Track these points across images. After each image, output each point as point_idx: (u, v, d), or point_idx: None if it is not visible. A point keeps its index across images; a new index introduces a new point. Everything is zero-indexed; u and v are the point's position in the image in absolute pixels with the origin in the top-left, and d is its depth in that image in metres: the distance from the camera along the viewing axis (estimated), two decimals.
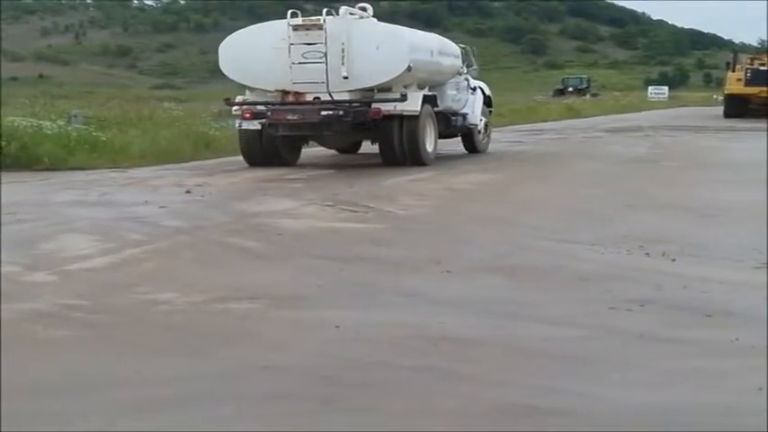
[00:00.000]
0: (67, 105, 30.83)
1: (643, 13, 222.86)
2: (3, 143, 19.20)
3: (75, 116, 24.56)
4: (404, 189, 15.37)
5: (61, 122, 22.60)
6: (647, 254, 9.26)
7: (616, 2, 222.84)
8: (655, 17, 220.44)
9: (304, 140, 20.82)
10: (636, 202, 13.59)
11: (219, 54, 20.07)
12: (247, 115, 19.35)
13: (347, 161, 20.90)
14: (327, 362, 5.97)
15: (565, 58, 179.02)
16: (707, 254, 9.42)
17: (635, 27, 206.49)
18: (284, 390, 5.48)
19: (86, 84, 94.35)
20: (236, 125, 20.03)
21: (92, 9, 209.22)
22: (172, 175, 17.64)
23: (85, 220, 11.91)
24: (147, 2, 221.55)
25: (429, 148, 19.80)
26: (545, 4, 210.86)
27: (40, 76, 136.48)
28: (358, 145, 22.60)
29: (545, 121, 43.19)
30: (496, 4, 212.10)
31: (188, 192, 14.82)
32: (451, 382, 5.59)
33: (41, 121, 21.85)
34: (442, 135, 21.19)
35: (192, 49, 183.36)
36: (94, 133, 22.05)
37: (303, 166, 19.31)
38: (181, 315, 7.14)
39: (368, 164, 20.02)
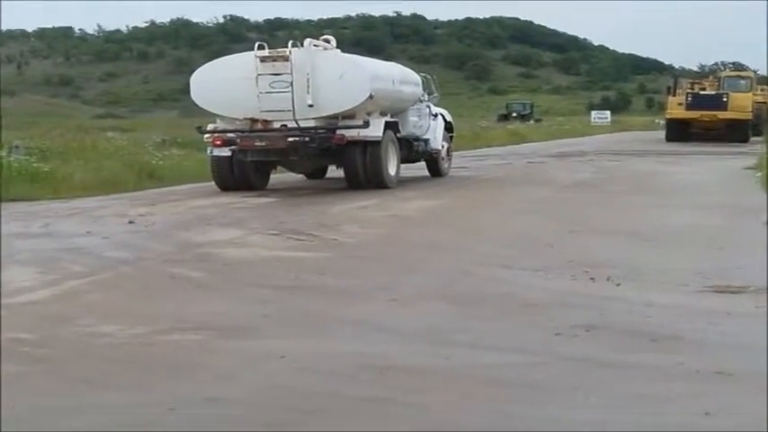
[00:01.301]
0: (10, 136, 30.53)
1: (584, 39, 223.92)
2: None
3: (16, 147, 24.35)
4: (350, 217, 15.35)
5: (2, 153, 22.38)
6: (592, 279, 9.30)
7: (558, 28, 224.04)
8: (596, 43, 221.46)
9: (272, 166, 21.38)
10: (580, 227, 13.65)
11: (191, 84, 20.75)
12: (218, 142, 20.04)
13: (295, 188, 20.88)
14: (273, 392, 5.93)
15: (508, 83, 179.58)
16: (651, 278, 9.47)
17: (577, 53, 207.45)
18: (230, 421, 5.43)
19: (29, 114, 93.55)
20: (208, 152, 20.71)
21: (33, 39, 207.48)
22: (115, 206, 17.50)
23: (27, 252, 11.78)
24: (89, 31, 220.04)
25: (392, 172, 20.55)
26: (488, 31, 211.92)
27: None
28: (324, 170, 23.19)
29: (489, 146, 43.31)
30: (439, 31, 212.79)
31: (131, 222, 14.71)
32: (399, 410, 5.57)
33: None
34: (406, 160, 21.99)
35: (135, 78, 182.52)
36: (36, 164, 21.87)
37: (248, 195, 19.23)
38: (125, 347, 7.07)
39: (314, 191, 20.07)
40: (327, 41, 20.97)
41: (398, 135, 21.14)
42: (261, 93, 19.65)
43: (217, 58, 21.73)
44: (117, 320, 7.86)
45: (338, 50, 20.90)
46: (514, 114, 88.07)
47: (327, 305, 8.43)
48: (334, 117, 19.89)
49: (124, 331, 7.52)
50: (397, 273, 10.12)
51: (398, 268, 10.46)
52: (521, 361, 6.58)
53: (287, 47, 19.92)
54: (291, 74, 19.55)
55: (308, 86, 19.46)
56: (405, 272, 10.20)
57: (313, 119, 19.71)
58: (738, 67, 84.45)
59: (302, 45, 20.16)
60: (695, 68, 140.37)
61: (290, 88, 19.54)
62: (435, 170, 24.02)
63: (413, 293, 8.86)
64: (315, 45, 20.46)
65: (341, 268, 10.46)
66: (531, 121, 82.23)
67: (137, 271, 10.51)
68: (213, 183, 20.59)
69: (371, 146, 19.86)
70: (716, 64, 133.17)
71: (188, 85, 20.87)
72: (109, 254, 11.68)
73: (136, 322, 7.78)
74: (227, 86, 19.87)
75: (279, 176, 22.41)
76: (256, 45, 20.13)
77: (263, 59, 19.79)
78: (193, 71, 21.12)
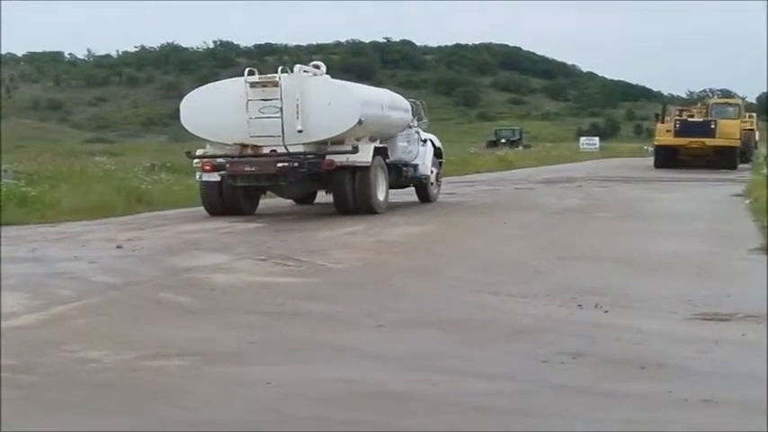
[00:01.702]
0: None
1: (573, 66, 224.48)
2: None
3: (4, 171, 24.31)
4: (338, 242, 15.33)
5: None
6: (580, 306, 9.28)
7: (546, 54, 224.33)
8: (585, 69, 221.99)
9: (262, 191, 21.40)
10: (568, 253, 13.64)
11: (181, 110, 20.73)
12: (208, 168, 20.05)
13: (284, 213, 20.85)
14: (259, 418, 5.90)
15: (497, 109, 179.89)
16: (639, 305, 9.45)
17: (565, 79, 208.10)
18: None
19: (18, 138, 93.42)
20: (197, 177, 20.74)
21: (23, 63, 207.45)
22: (103, 230, 17.46)
23: (14, 277, 11.72)
24: (79, 56, 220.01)
25: (380, 197, 20.59)
26: (477, 57, 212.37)
27: None
28: (314, 195, 23.27)
29: (478, 172, 43.33)
30: (428, 57, 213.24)
31: (119, 247, 14.67)
32: None
33: None
34: (395, 185, 22.07)
35: (125, 103, 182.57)
36: (24, 188, 21.81)
37: (236, 220, 19.20)
38: (111, 373, 7.04)
39: (302, 217, 20.08)
40: (317, 67, 21.01)
41: (387, 160, 21.18)
42: (251, 118, 19.68)
43: (206, 82, 21.81)
44: (103, 346, 7.82)
45: (328, 76, 20.94)
46: (503, 140, 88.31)
47: (314, 331, 8.40)
48: (324, 142, 19.92)
49: (110, 357, 7.48)
50: (384, 299, 10.10)
51: (386, 294, 10.43)
52: (508, 388, 6.56)
53: (277, 72, 19.95)
54: (281, 99, 19.57)
55: (298, 112, 19.48)
56: (392, 298, 10.17)
57: (302, 144, 19.71)
58: (726, 94, 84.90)
59: (292, 71, 20.24)
60: (684, 95, 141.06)
61: (279, 114, 19.56)
62: (424, 196, 24.06)
63: (400, 319, 8.84)
64: (304, 71, 20.52)
65: (328, 294, 10.44)
66: (520, 147, 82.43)
67: (124, 296, 10.47)
68: (202, 208, 20.55)
69: (360, 171, 19.90)
70: (704, 91, 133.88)
71: (177, 109, 20.88)
72: (96, 279, 11.64)
73: (122, 347, 7.74)
74: (216, 112, 19.91)
75: (267, 201, 22.41)
76: (246, 71, 20.12)
77: (252, 85, 19.82)
78: (183, 96, 21.15)
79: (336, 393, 6.40)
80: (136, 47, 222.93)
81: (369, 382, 6.67)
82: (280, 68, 20.13)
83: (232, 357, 7.45)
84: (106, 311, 9.60)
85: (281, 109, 19.55)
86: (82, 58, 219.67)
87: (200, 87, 21.31)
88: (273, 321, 8.81)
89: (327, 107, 19.61)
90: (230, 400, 6.30)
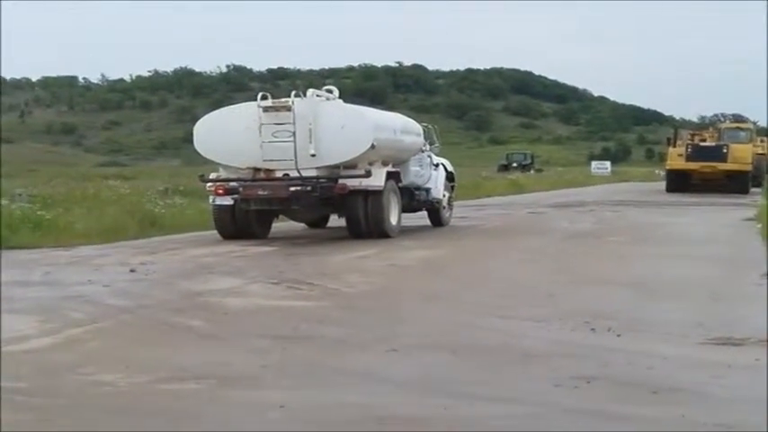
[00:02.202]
0: (11, 184, 30.60)
1: (584, 90, 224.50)
2: None
3: (19, 194, 24.38)
4: (349, 266, 15.33)
5: (5, 201, 22.39)
6: (593, 329, 9.26)
7: (558, 79, 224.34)
8: (596, 93, 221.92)
9: (275, 215, 21.50)
10: (580, 277, 13.63)
11: (194, 134, 20.84)
12: (221, 191, 20.11)
13: (296, 237, 20.86)
14: None
15: (509, 133, 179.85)
16: (652, 329, 9.42)
17: (577, 103, 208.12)
18: None
19: (31, 161, 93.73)
20: (210, 201, 20.77)
21: (37, 88, 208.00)
22: (116, 254, 17.48)
23: (28, 300, 11.74)
24: (93, 80, 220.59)
25: (393, 221, 20.61)
26: (488, 82, 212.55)
27: None
28: (326, 219, 23.29)
29: (490, 196, 43.36)
30: (440, 81, 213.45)
31: (132, 270, 14.68)
32: None
33: None
34: (407, 209, 22.08)
35: (138, 127, 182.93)
36: (39, 212, 21.85)
37: (248, 243, 19.20)
38: (124, 397, 7.03)
39: (315, 240, 20.09)
40: (330, 91, 21.05)
41: (400, 184, 21.22)
42: (264, 142, 19.70)
43: (219, 106, 21.87)
44: (117, 369, 7.82)
45: (340, 101, 20.98)
46: (515, 164, 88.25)
47: (327, 355, 8.39)
48: (337, 167, 19.96)
49: (124, 380, 7.48)
50: (396, 323, 10.08)
51: (398, 318, 10.42)
52: (520, 412, 6.54)
53: (290, 97, 20.00)
54: (294, 123, 19.60)
55: (311, 136, 19.51)
56: (404, 322, 10.16)
57: (315, 168, 19.75)
58: (738, 118, 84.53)
59: (305, 95, 20.29)
60: (695, 120, 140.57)
61: (292, 138, 19.58)
62: (436, 219, 24.07)
63: (413, 343, 8.82)
64: (317, 95, 20.58)
65: (341, 318, 10.43)
66: (532, 171, 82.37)
67: (137, 319, 10.47)
68: (215, 231, 20.58)
69: (373, 195, 19.91)
70: (716, 115, 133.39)
71: (191, 133, 20.96)
72: (110, 302, 11.65)
73: (136, 371, 7.74)
74: (230, 136, 19.96)
75: (280, 225, 22.43)
76: (260, 95, 20.17)
77: (266, 109, 19.87)
78: (196, 120, 21.22)
79: (349, 418, 6.39)
80: (149, 71, 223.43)
81: (381, 406, 6.66)
82: (293, 93, 20.20)
83: (245, 381, 7.44)
84: (119, 335, 9.62)
85: (294, 133, 19.58)
86: (96, 82, 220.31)
87: (214, 112, 21.40)
88: (286, 345, 8.80)
89: (340, 131, 19.64)
90: (244, 424, 6.29)
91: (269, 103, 20.02)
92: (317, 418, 6.40)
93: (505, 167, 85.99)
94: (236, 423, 6.31)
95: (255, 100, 20.07)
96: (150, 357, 8.34)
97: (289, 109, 19.75)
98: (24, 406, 6.80)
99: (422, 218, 23.80)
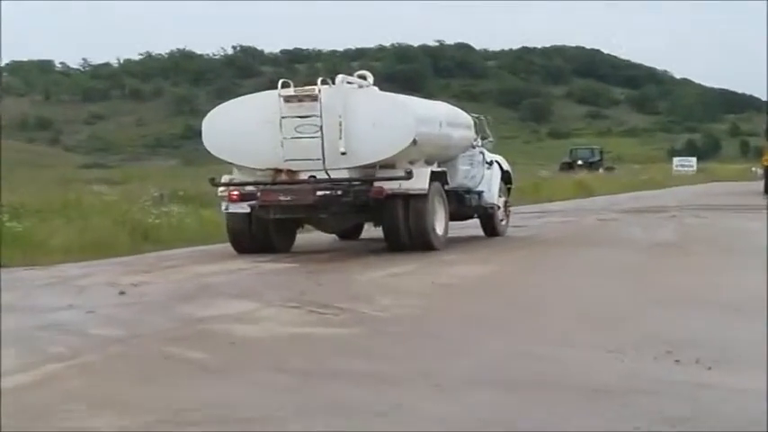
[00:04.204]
0: None
1: (664, 72, 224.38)
2: None
3: None
4: (383, 285, 15.34)
5: None
6: (677, 361, 9.22)
7: (631, 59, 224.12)
8: (678, 75, 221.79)
9: (299, 224, 21.61)
10: (661, 297, 13.59)
11: (203, 129, 21.00)
12: (235, 197, 20.20)
13: (323, 250, 20.90)
14: None
15: (573, 125, 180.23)
16: (747, 359, 9.38)
17: (655, 88, 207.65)
18: None
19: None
20: (223, 208, 20.83)
21: (6, 75, 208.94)
22: (103, 273, 17.55)
23: None
24: (72, 65, 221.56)
25: (439, 230, 20.63)
26: (547, 63, 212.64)
27: None
28: (359, 228, 23.50)
29: (551, 200, 43.39)
30: (490, 63, 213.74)
31: (122, 293, 14.74)
32: None
33: None
34: (455, 216, 22.08)
35: (128, 121, 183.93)
36: (8, 223, 21.95)
37: (262, 259, 19.25)
38: None
39: (345, 254, 20.11)
40: (363, 77, 21.08)
41: (447, 187, 21.24)
42: (285, 138, 19.83)
43: (224, 95, 22.00)
44: (105, 412, 7.84)
45: (376, 88, 21.09)
46: (580, 162, 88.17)
47: (358, 393, 8.39)
48: (372, 167, 20.06)
49: (113, 424, 7.50)
50: (440, 354, 10.08)
51: (443, 348, 10.41)
52: None
53: (315, 84, 20.02)
54: (321, 116, 19.70)
55: (341, 131, 19.56)
56: (450, 352, 10.15)
57: (346, 169, 19.87)
58: None
59: (333, 82, 20.29)
60: None
61: (319, 133, 19.69)
62: (491, 228, 24.17)
63: (460, 378, 8.81)
64: (348, 82, 20.60)
65: (374, 348, 10.43)
66: (601, 170, 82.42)
67: (129, 351, 10.50)
68: (222, 245, 20.68)
69: (415, 200, 19.91)
70: None
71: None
72: (95, 331, 11.68)
73: (127, 413, 7.76)
74: (245, 131, 20.11)
75: (304, 236, 22.46)
76: (280, 82, 20.22)
77: (287, 99, 19.94)
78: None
79: None
80: (140, 54, 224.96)
81: None
82: (319, 79, 20.23)
83: (258, 424, 7.45)
84: (107, 370, 9.64)
85: (321, 127, 19.68)
86: (76, 67, 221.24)
87: (227, 103, 21.49)
88: (308, 381, 8.81)
89: (376, 125, 19.74)
90: None
91: (291, 91, 20.06)
92: None
93: (569, 166, 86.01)
94: None
95: (270, 88, 20.10)
96: (144, 397, 8.36)
97: (315, 99, 19.80)
98: None
99: (472, 227, 23.78)
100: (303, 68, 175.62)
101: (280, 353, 10.24)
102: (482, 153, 23.69)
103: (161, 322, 12.25)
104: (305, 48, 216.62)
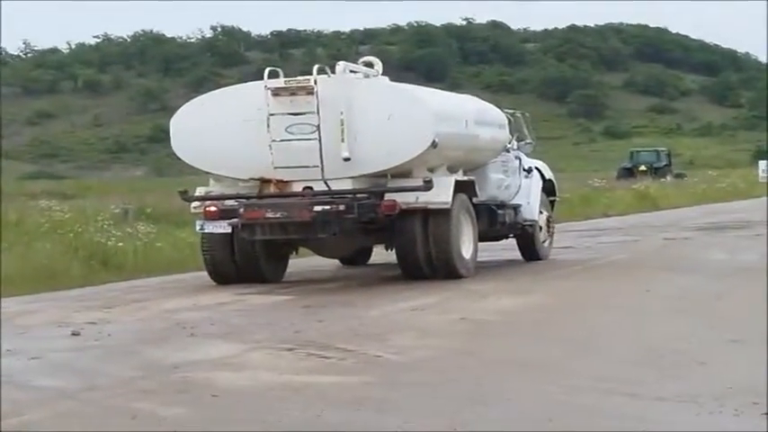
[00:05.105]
0: None
1: (747, 54, 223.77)
2: None
3: None
4: (399, 322, 15.36)
5: None
6: (765, 414, 9.23)
7: (706, 39, 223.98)
8: (764, 59, 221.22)
9: (292, 247, 21.55)
10: (744, 335, 13.58)
11: (171, 129, 20.87)
12: (213, 213, 19.94)
13: (321, 279, 20.93)
14: None
15: (633, 122, 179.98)
16: None
17: (736, 75, 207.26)
18: None
19: None
20: (197, 228, 20.53)
21: None
22: (52, 308, 17.60)
23: None
24: (11, 51, 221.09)
25: (466, 254, 20.55)
26: (602, 45, 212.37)
27: None
28: (367, 253, 23.54)
29: (607, 215, 43.39)
30: (530, 45, 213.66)
31: (76, 333, 14.77)
32: None
33: None
34: (486, 236, 22.13)
35: (82, 120, 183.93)
36: None
37: (249, 290, 19.29)
38: None
39: (348, 285, 20.11)
40: (370, 65, 20.97)
41: (475, 200, 21.15)
42: (274, 141, 19.73)
43: (203, 87, 21.95)
44: None
45: (386, 78, 20.95)
46: (643, 168, 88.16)
47: None
48: (382, 175, 20.01)
49: None
50: (469, 404, 10.11)
51: (471, 398, 10.43)
52: None
53: (311, 74, 19.93)
54: (318, 113, 19.59)
55: (343, 132, 19.47)
56: (481, 403, 10.18)
57: (350, 178, 19.80)
58: None
59: (333, 71, 20.22)
60: None
61: (316, 134, 19.60)
62: (530, 250, 24.17)
63: None
64: (352, 71, 20.53)
65: (387, 399, 10.46)
66: (669, 178, 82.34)
67: (84, 408, 10.52)
68: (199, 273, 20.62)
69: (436, 216, 19.85)
70: None
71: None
72: (42, 382, 11.72)
73: None
74: (224, 132, 20.03)
75: (297, 262, 22.42)
76: (267, 71, 20.05)
77: (276, 92, 19.80)
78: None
79: None
80: (96, 36, 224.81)
81: None
82: (316, 67, 20.10)
83: None
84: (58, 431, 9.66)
85: (319, 127, 19.59)
86: (16, 54, 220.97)
87: (200, 97, 21.53)
88: None
89: (387, 123, 19.65)
90: None
91: (281, 83, 19.93)
92: None
93: (629, 172, 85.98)
94: None
95: (257, 78, 20.06)
96: None
97: (310, 91, 19.68)
98: None
99: (507, 248, 23.77)
100: (299, 54, 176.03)
101: (270, 406, 10.26)
102: (519, 158, 23.63)
103: (125, 370, 12.27)
104: (301, 29, 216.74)
